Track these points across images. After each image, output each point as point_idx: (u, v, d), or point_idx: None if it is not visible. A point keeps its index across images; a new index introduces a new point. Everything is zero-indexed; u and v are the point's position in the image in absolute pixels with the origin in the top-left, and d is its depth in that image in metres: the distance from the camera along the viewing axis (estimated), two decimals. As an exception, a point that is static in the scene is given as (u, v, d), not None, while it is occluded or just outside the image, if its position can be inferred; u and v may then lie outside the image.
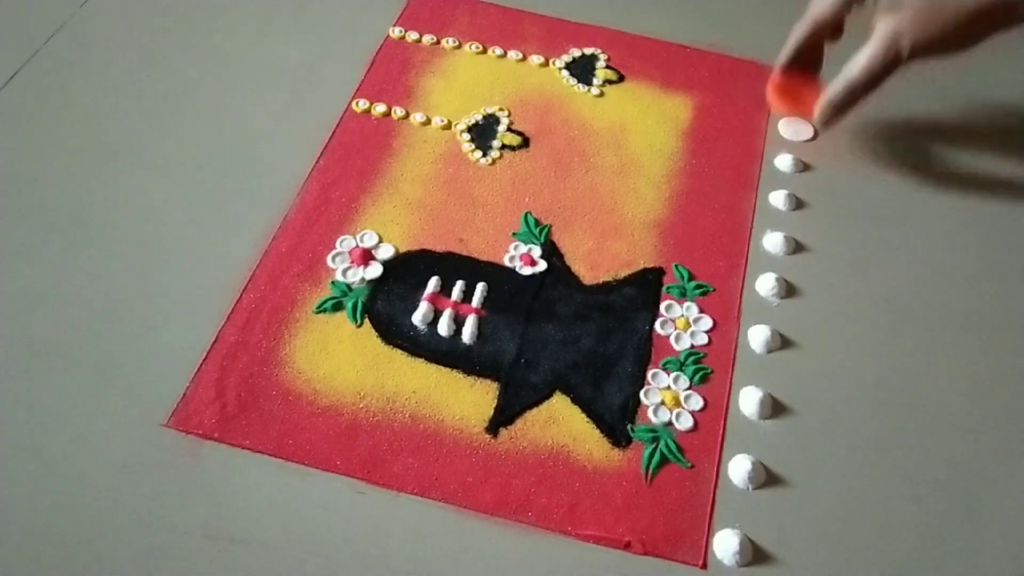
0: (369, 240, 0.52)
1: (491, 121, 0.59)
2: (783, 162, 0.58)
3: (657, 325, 0.50)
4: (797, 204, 0.56)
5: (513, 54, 0.63)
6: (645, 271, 0.52)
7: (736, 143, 0.59)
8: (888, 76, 0.52)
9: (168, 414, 0.44)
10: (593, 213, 0.55)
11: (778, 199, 0.56)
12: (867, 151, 0.59)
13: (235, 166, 0.55)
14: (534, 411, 0.46)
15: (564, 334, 0.49)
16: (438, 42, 0.64)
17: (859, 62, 0.52)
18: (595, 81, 0.62)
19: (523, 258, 0.52)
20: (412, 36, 0.64)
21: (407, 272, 0.51)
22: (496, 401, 0.46)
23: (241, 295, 0.49)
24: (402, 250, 0.52)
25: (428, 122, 0.58)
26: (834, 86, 0.53)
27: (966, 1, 0.48)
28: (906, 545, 0.43)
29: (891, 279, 0.53)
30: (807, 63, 0.56)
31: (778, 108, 0.58)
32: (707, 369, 0.48)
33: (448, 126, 0.58)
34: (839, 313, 0.51)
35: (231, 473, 0.43)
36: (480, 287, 0.50)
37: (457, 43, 0.63)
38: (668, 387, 0.47)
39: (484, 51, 0.63)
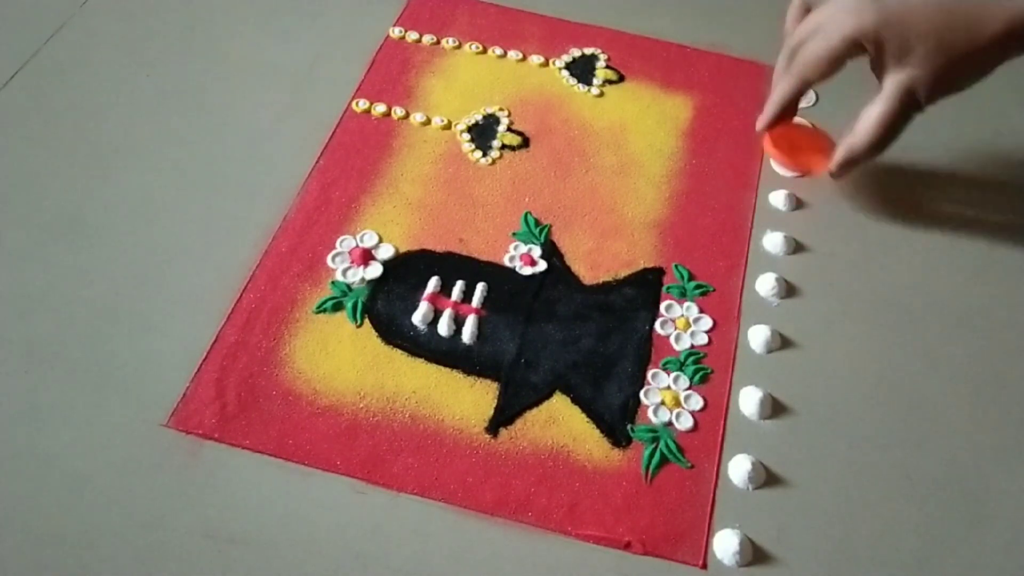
0: (369, 240, 0.52)
1: (491, 121, 0.59)
2: (783, 162, 0.58)
3: (657, 325, 0.50)
4: (797, 204, 0.56)
5: (513, 54, 0.63)
6: (645, 271, 0.52)
7: (736, 143, 0.59)
8: (907, 125, 0.50)
9: (168, 414, 0.44)
10: (593, 213, 0.55)
11: (778, 199, 0.56)
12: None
13: (235, 166, 0.55)
14: (534, 411, 0.46)
15: (564, 334, 0.49)
16: (438, 42, 0.64)
17: (877, 118, 0.49)
18: (595, 81, 0.62)
19: (523, 258, 0.52)
20: (412, 36, 0.64)
21: (407, 272, 0.51)
22: (496, 401, 0.46)
23: (241, 295, 0.49)
24: (402, 250, 0.52)
25: (428, 122, 0.58)
26: (852, 144, 0.51)
27: (977, 39, 0.46)
28: (906, 545, 0.43)
29: (891, 279, 0.53)
30: (789, 111, 0.54)
31: (781, 162, 0.56)
32: (707, 369, 0.48)
33: (448, 126, 0.58)
34: (839, 313, 0.51)
35: (231, 473, 0.43)
36: (480, 287, 0.50)
37: (457, 43, 0.63)
38: (668, 387, 0.47)
39: (484, 51, 0.63)
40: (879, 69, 0.49)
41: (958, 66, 0.48)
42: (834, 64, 0.49)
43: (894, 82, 0.48)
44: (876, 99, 0.50)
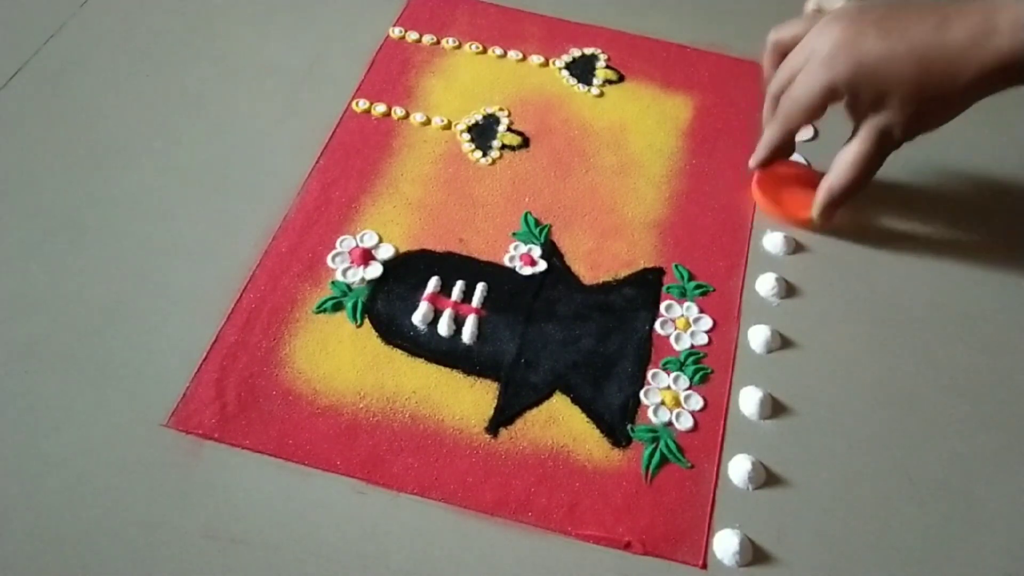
0: (369, 240, 0.52)
1: (491, 121, 0.59)
2: (783, 162, 0.58)
3: (657, 325, 0.50)
4: (797, 204, 0.56)
5: (513, 54, 0.63)
6: (645, 271, 0.52)
7: (736, 143, 0.59)
8: (883, 162, 0.51)
9: (168, 414, 0.44)
10: (593, 213, 0.55)
11: (778, 199, 0.56)
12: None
13: (235, 166, 0.55)
14: (534, 411, 0.46)
15: (564, 334, 0.49)
16: (438, 42, 0.64)
17: (855, 158, 0.50)
18: (595, 81, 0.62)
19: (523, 258, 0.52)
20: (412, 36, 0.64)
21: (407, 272, 0.51)
22: (496, 401, 0.46)
23: (241, 295, 0.49)
24: (402, 250, 0.52)
25: (428, 122, 0.58)
26: (831, 184, 0.51)
27: (952, 84, 0.46)
28: (906, 545, 0.43)
29: (891, 279, 0.53)
30: (781, 152, 0.54)
31: (768, 211, 0.55)
32: (707, 369, 0.48)
33: (448, 126, 0.58)
34: (839, 313, 0.51)
35: (231, 473, 0.43)
36: (480, 287, 0.50)
37: (457, 43, 0.63)
38: (668, 387, 0.47)
39: (484, 51, 0.63)
40: (854, 112, 0.50)
41: (934, 109, 0.48)
42: (815, 112, 0.50)
43: (870, 124, 0.49)
44: (852, 140, 0.51)
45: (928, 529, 0.43)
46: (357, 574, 0.40)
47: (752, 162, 0.55)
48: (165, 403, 0.45)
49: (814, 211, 0.53)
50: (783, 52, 0.52)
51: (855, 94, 0.48)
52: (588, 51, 0.64)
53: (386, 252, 0.52)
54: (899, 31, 0.47)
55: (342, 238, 0.52)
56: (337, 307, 0.49)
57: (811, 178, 0.55)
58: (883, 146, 0.50)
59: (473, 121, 0.59)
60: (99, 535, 0.40)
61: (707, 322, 0.50)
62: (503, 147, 0.57)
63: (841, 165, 0.51)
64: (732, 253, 0.53)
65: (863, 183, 0.51)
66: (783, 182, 0.56)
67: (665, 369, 0.48)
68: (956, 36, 0.46)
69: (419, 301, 0.49)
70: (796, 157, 0.58)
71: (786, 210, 0.54)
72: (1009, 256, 0.54)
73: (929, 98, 0.47)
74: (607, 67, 0.63)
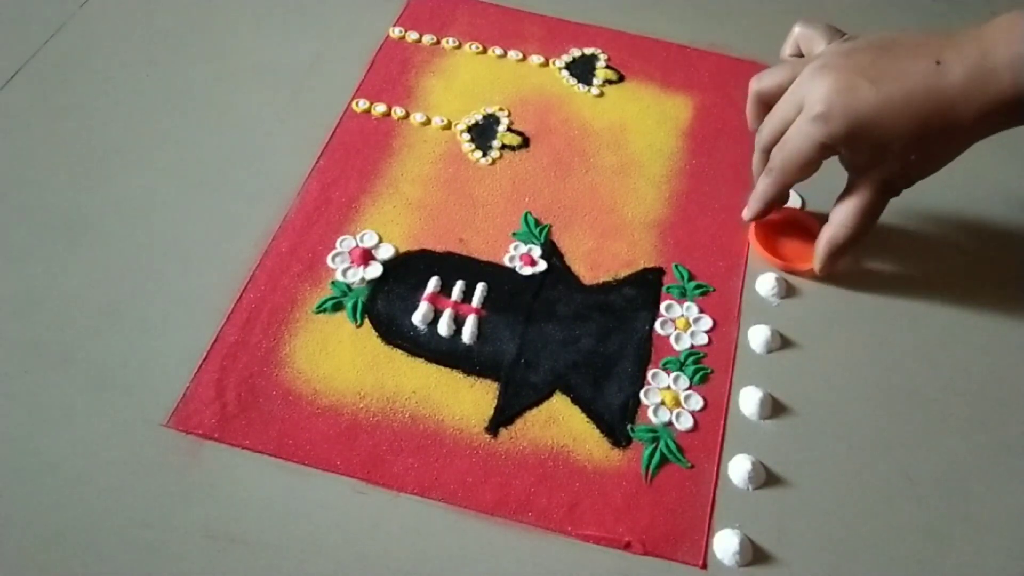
0: (369, 240, 0.52)
1: (491, 121, 0.59)
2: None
3: (657, 325, 0.50)
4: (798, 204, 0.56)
5: (513, 54, 0.63)
6: (645, 271, 0.52)
7: (736, 143, 0.59)
8: (883, 211, 0.49)
9: (168, 414, 0.44)
10: (593, 213, 0.55)
11: (778, 199, 0.56)
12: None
13: (235, 166, 0.55)
14: (534, 411, 0.46)
15: (564, 334, 0.49)
16: (438, 42, 0.64)
17: (857, 209, 0.49)
18: (595, 81, 0.62)
19: (523, 258, 0.52)
20: (412, 36, 0.64)
21: (407, 272, 0.51)
22: (496, 401, 0.46)
23: (241, 295, 0.49)
24: (402, 250, 0.52)
25: (428, 122, 0.58)
26: (833, 238, 0.50)
27: (952, 130, 0.45)
28: (906, 545, 0.43)
29: (891, 278, 0.53)
30: (776, 203, 0.52)
31: (766, 259, 0.53)
32: (707, 369, 0.48)
33: (448, 126, 0.58)
34: (839, 313, 0.51)
35: (231, 473, 0.43)
36: (480, 287, 0.50)
37: (457, 43, 0.63)
38: (668, 387, 0.47)
39: (484, 51, 0.63)
40: (852, 165, 0.49)
41: (935, 155, 0.47)
42: (810, 169, 0.48)
43: (870, 176, 0.48)
44: (851, 190, 0.49)
45: (928, 529, 0.43)
46: (357, 574, 0.40)
47: (746, 214, 0.53)
48: (165, 403, 0.45)
49: (816, 264, 0.51)
50: (767, 103, 0.50)
51: (853, 150, 0.47)
52: (588, 51, 0.64)
53: (386, 252, 0.52)
54: (892, 76, 0.45)
55: (342, 238, 0.52)
56: (337, 307, 0.49)
57: (808, 224, 0.54)
58: (884, 196, 0.48)
59: (473, 121, 0.59)
60: (99, 535, 0.40)
61: (707, 322, 0.50)
62: (503, 147, 0.57)
63: (842, 217, 0.49)
64: (732, 253, 0.53)
65: (866, 234, 0.50)
66: (780, 230, 0.54)
67: (665, 369, 0.48)
68: (953, 79, 0.44)
69: (419, 301, 0.49)
70: (792, 192, 0.56)
71: (785, 261, 0.53)
72: (1009, 256, 0.54)
73: (929, 145, 0.46)
74: (607, 67, 0.63)
